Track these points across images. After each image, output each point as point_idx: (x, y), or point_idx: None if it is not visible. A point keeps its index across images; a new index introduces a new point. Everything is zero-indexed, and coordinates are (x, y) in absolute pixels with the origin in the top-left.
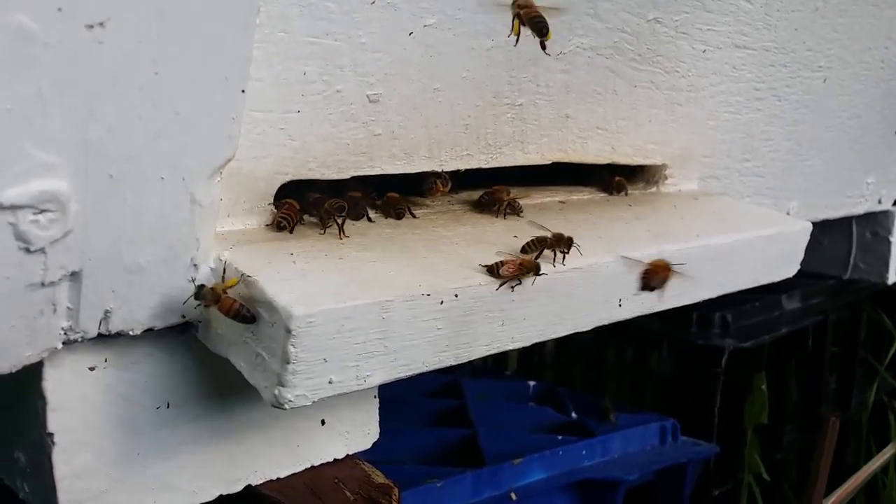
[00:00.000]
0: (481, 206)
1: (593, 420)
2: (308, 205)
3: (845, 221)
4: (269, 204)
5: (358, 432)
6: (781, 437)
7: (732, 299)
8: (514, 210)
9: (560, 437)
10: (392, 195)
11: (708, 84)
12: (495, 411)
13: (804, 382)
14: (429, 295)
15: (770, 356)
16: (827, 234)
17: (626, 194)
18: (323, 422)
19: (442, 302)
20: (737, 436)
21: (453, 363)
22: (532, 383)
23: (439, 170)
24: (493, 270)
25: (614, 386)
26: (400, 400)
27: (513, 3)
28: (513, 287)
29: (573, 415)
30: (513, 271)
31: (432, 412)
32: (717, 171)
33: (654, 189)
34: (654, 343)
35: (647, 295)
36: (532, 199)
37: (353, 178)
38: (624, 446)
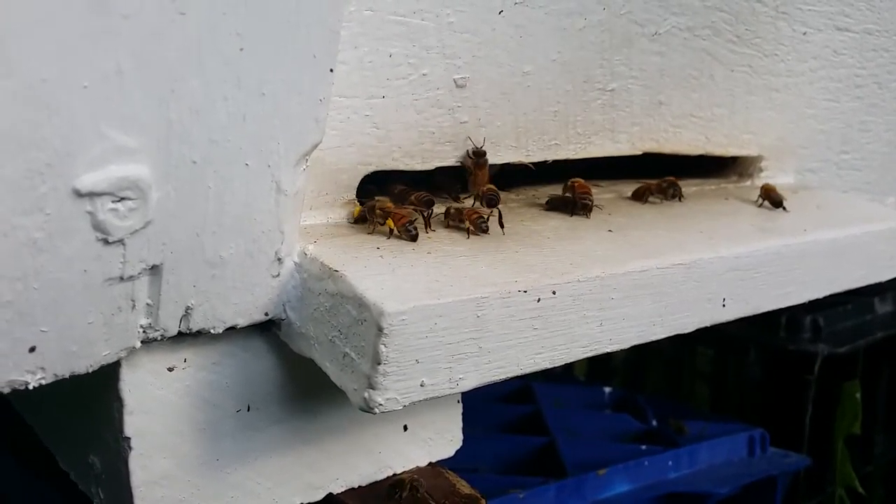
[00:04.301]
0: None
1: (674, 429)
2: (393, 197)
3: None
4: (352, 197)
5: (441, 439)
6: (872, 449)
7: (821, 302)
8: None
9: (644, 447)
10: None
11: (807, 69)
12: (572, 418)
13: (893, 390)
14: (526, 291)
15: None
16: None
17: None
18: (405, 427)
19: (539, 299)
20: (825, 446)
21: (548, 366)
22: (608, 389)
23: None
24: None
25: (692, 392)
26: (470, 404)
27: None
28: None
29: (653, 423)
30: None
31: (505, 418)
32: (813, 164)
33: (748, 183)
34: (737, 348)
35: (752, 295)
36: (621, 193)
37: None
38: (711, 457)
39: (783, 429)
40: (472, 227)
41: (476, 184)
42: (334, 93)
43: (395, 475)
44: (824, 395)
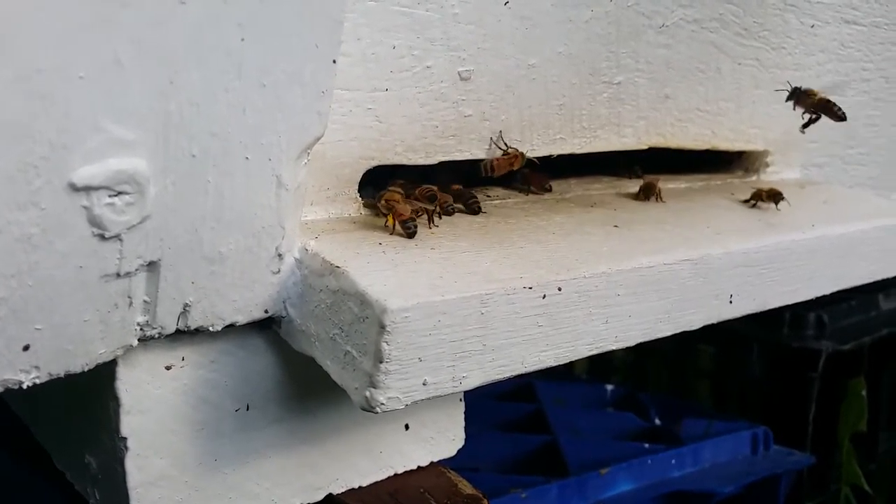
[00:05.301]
0: None
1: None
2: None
3: None
4: (355, 192)
5: (442, 438)
6: (876, 446)
7: (825, 298)
8: None
9: (647, 446)
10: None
11: (815, 63)
12: (574, 416)
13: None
14: (531, 288)
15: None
16: None
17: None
18: (407, 426)
19: (544, 296)
20: (829, 444)
21: (553, 364)
22: (610, 387)
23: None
24: None
25: (694, 390)
26: (471, 403)
27: None
28: None
29: (656, 421)
30: None
31: (507, 416)
32: (819, 159)
33: (753, 177)
34: (741, 344)
35: (760, 292)
36: (625, 189)
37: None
38: (714, 456)
39: (786, 427)
40: (440, 211)
41: (498, 168)
42: (337, 85)
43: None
44: (828, 393)
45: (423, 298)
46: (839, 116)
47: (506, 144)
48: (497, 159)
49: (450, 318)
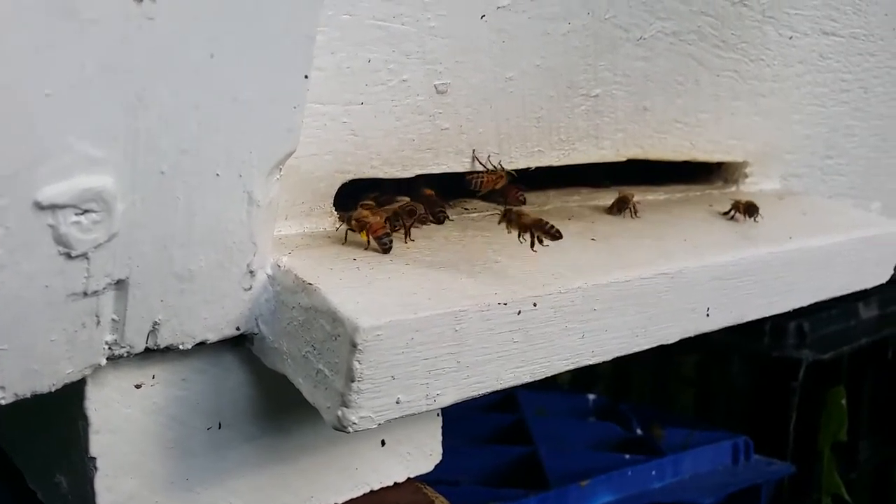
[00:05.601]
0: None
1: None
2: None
3: None
4: (330, 207)
5: (419, 454)
6: (856, 455)
7: (806, 308)
8: None
9: (627, 457)
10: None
11: (793, 74)
12: (555, 427)
13: (877, 396)
14: (506, 304)
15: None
16: None
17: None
18: (383, 442)
19: (519, 312)
20: (809, 453)
21: (529, 380)
22: (592, 397)
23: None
24: None
25: (677, 399)
26: (453, 414)
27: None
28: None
29: (638, 431)
30: None
31: (488, 427)
32: (798, 169)
33: (733, 188)
34: (721, 354)
35: (737, 304)
36: (603, 201)
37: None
38: (695, 466)
39: (768, 436)
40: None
41: (486, 185)
42: (311, 99)
43: None
44: (808, 402)
45: (396, 316)
46: (553, 236)
47: (497, 165)
48: (486, 176)
49: (423, 336)
